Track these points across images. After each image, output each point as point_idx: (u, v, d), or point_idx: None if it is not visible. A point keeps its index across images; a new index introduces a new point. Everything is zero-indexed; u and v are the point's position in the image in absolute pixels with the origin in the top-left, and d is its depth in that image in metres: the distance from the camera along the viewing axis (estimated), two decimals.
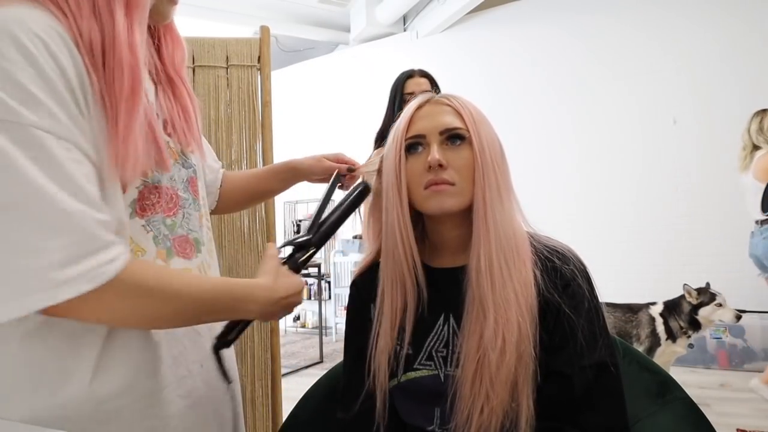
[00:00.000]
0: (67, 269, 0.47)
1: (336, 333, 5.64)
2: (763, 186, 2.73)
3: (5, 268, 0.46)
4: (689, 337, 2.61)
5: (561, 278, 0.69)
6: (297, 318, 6.10)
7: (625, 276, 4.11)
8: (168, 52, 0.72)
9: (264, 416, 1.52)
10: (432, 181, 0.70)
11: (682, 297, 2.68)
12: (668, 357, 2.61)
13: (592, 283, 0.71)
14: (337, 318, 5.66)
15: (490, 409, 0.64)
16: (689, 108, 4.14)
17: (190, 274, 0.64)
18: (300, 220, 5.86)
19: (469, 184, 0.71)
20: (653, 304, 2.76)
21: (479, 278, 0.68)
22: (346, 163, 0.97)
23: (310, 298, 5.92)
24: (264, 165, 1.55)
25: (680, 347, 2.62)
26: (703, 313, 2.59)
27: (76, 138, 0.51)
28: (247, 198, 1.04)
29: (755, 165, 2.78)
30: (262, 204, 1.56)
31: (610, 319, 2.70)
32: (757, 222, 2.86)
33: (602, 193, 4.45)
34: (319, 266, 4.93)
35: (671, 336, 2.62)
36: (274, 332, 1.55)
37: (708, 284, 2.70)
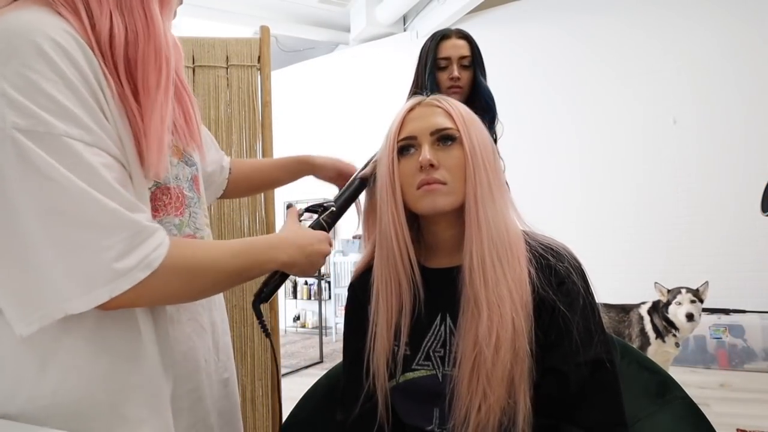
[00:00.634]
0: (124, 261, 0.51)
1: (336, 333, 5.65)
2: None
3: (70, 267, 0.49)
4: (675, 336, 2.60)
5: (556, 275, 0.69)
6: (297, 318, 6.11)
7: (625, 276, 4.11)
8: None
9: (264, 416, 1.52)
10: (424, 180, 0.71)
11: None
12: (662, 357, 2.61)
13: (587, 280, 0.72)
14: (337, 318, 5.66)
15: (488, 407, 0.64)
16: (689, 108, 4.14)
17: (218, 243, 0.66)
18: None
19: (461, 183, 0.71)
20: (644, 303, 2.77)
21: (472, 277, 0.68)
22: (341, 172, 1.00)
23: (310, 298, 5.93)
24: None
25: (670, 347, 2.62)
26: (669, 312, 2.61)
27: (105, 143, 0.53)
28: (254, 187, 1.09)
29: None
30: (262, 204, 1.56)
31: (605, 320, 2.71)
32: None
33: (602, 194, 4.45)
34: None
35: (659, 335, 2.63)
36: (274, 332, 1.55)
37: (706, 283, 2.70)
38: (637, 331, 2.69)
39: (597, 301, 0.72)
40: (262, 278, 0.76)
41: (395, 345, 0.74)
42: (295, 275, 0.75)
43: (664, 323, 2.62)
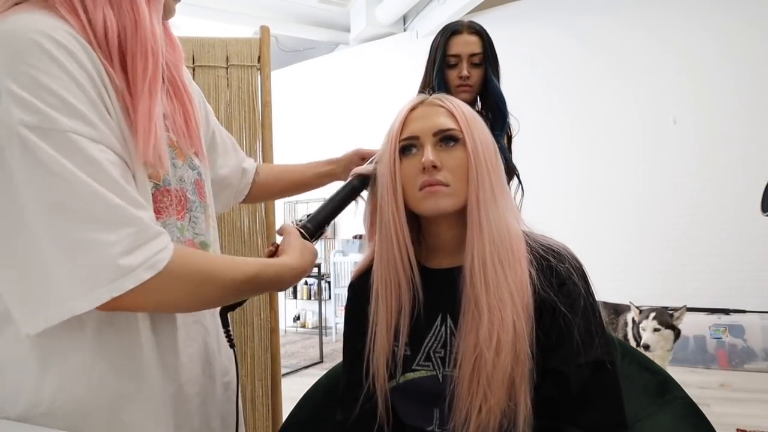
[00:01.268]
0: (128, 258, 0.50)
1: (336, 333, 5.65)
2: None
3: (75, 263, 0.49)
4: (647, 348, 2.52)
5: (557, 277, 0.69)
6: (297, 318, 6.11)
7: (625, 276, 4.11)
8: (169, 54, 0.72)
9: (264, 416, 1.52)
10: (426, 182, 0.70)
11: (647, 309, 2.65)
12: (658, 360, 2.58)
13: (588, 281, 0.71)
14: (337, 318, 5.66)
15: (488, 408, 0.64)
16: (689, 108, 4.14)
17: (228, 258, 0.66)
18: (300, 220, 5.87)
19: (463, 184, 0.71)
20: (629, 308, 2.76)
21: (473, 279, 0.68)
22: (363, 157, 0.99)
23: (310, 298, 5.93)
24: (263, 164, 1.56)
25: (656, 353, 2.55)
26: (639, 333, 2.56)
27: (110, 140, 0.54)
28: (284, 188, 1.09)
29: None
30: (262, 204, 1.56)
31: None
32: None
33: (602, 194, 4.45)
34: (319, 266, 4.94)
35: (638, 343, 2.56)
36: (274, 332, 1.55)
37: (684, 307, 2.64)
38: (622, 336, 2.68)
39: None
40: None
41: (395, 345, 0.74)
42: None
43: (637, 336, 2.59)
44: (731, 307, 3.59)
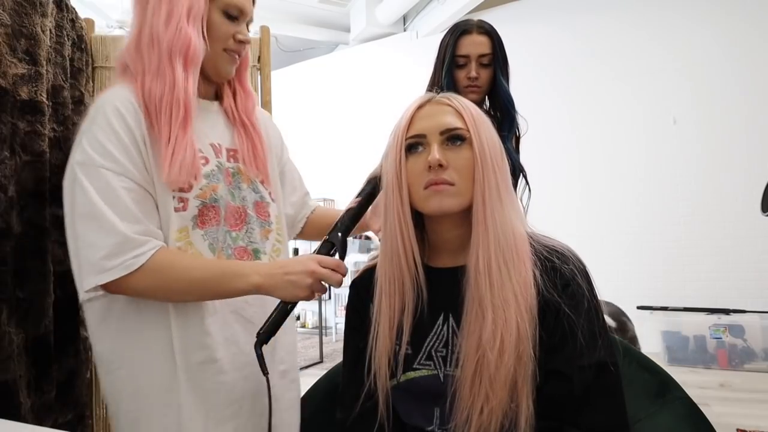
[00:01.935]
0: (110, 261, 0.73)
1: (336, 333, 5.65)
2: None
3: (83, 257, 0.75)
4: None
5: (560, 278, 0.69)
6: (297, 318, 6.11)
7: (625, 276, 4.11)
8: (241, 102, 0.95)
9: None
10: (432, 180, 0.70)
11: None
12: None
13: (591, 282, 0.71)
14: (337, 318, 5.66)
15: (490, 409, 0.64)
16: (689, 108, 4.14)
17: (201, 257, 0.81)
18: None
19: (469, 184, 0.71)
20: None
21: (478, 279, 0.68)
22: None
23: None
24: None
25: None
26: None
27: (132, 174, 0.77)
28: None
29: None
30: None
31: None
32: None
33: (603, 194, 4.45)
34: None
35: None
36: None
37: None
38: None
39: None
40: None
41: (397, 344, 0.74)
42: (284, 299, 0.78)
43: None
44: (731, 307, 3.59)
